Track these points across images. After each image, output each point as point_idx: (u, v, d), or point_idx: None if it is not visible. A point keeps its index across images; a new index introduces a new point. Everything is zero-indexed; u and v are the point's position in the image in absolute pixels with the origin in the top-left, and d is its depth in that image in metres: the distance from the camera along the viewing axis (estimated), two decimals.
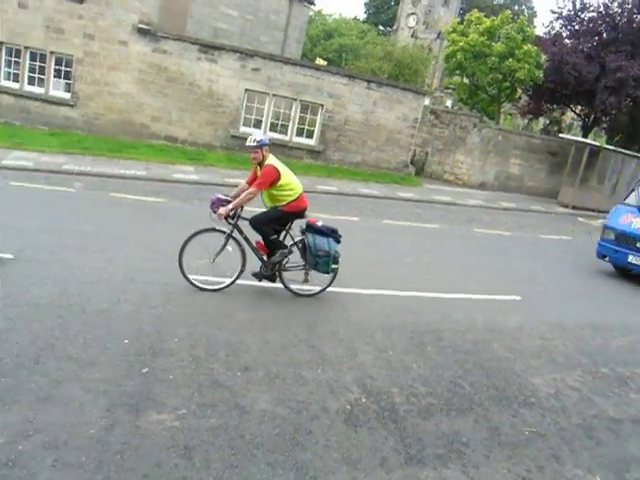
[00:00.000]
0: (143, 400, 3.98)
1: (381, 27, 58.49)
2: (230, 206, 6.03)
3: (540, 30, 33.56)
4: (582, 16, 22.87)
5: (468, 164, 20.97)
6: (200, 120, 16.84)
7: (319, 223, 6.41)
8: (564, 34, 23.44)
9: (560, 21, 23.41)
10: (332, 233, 6.40)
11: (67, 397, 3.87)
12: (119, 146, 14.89)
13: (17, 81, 16.29)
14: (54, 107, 16.21)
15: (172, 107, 16.52)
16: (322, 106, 17.65)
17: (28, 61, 16.21)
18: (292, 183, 6.23)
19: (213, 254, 6.16)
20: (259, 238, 6.33)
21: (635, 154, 20.47)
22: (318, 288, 6.66)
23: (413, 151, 20.34)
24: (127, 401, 3.94)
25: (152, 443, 3.56)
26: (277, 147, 17.31)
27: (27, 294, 5.45)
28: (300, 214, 6.40)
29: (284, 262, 6.41)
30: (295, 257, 6.50)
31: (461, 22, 24.90)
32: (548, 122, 31.20)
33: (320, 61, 24.02)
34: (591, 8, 22.94)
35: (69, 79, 16.14)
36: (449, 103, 30.60)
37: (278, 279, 6.52)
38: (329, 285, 6.67)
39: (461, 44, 22.64)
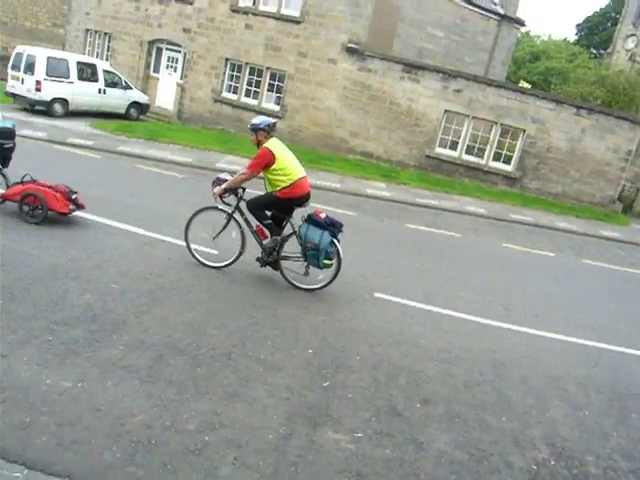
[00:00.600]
0: (321, 415, 3.92)
1: (593, 50, 53.91)
2: (223, 185, 6.01)
3: None
4: None
5: None
6: (396, 138, 16.95)
7: (322, 215, 6.02)
8: None
9: None
10: (329, 226, 5.93)
11: (252, 397, 3.96)
12: (318, 158, 15.58)
13: (236, 93, 18.02)
14: None
15: (371, 124, 16.89)
16: (524, 131, 16.62)
17: (247, 76, 17.85)
18: (287, 169, 5.93)
19: (215, 233, 6.23)
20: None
21: None
22: (315, 286, 6.21)
23: (622, 186, 18.19)
24: (306, 413, 3.91)
25: (326, 462, 3.46)
26: (471, 170, 16.77)
27: (227, 291, 5.82)
28: (298, 202, 6.09)
29: (282, 251, 6.18)
30: (296, 247, 6.15)
31: None
32: None
33: (524, 84, 22.79)
34: None
35: (280, 93, 17.40)
36: None
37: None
38: (328, 284, 6.20)
39: None
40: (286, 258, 6.24)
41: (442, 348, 5.44)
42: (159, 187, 10.77)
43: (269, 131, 6.00)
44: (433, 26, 19.87)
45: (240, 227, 6.26)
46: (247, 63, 17.69)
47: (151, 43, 20.10)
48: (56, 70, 16.34)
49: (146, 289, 5.47)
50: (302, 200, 6.11)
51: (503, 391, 4.83)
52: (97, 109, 17.15)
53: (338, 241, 6.03)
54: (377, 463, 3.54)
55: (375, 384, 4.48)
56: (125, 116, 18.08)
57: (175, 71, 19.89)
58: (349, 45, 16.30)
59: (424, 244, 9.67)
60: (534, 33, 50.48)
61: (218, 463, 3.26)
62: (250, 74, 17.85)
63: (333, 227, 5.97)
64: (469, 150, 17.00)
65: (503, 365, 5.36)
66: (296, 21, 16.76)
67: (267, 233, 6.21)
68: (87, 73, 17.16)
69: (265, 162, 5.86)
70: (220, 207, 6.24)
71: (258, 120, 6.04)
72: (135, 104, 18.34)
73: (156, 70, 20.46)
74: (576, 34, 58.23)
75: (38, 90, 16.08)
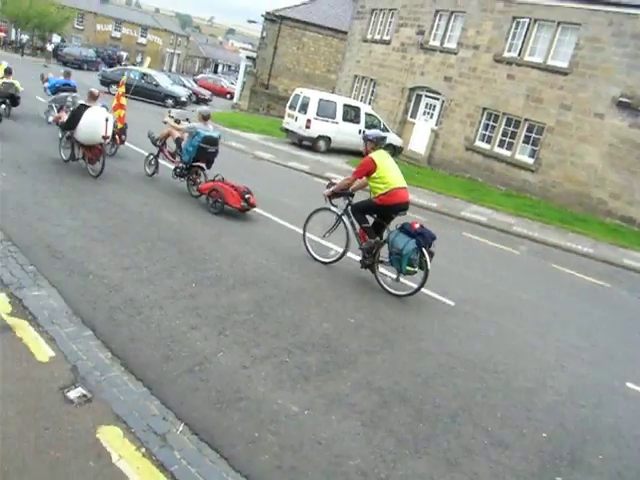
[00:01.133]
0: None
1: None
2: (331, 188, 6.84)
3: None
4: None
5: None
6: None
7: (416, 225, 6.22)
8: None
9: None
10: (417, 235, 6.10)
11: (473, 472, 3.57)
12: (570, 217, 14.29)
13: (489, 143, 17.62)
14: (515, 170, 16.85)
15: (637, 186, 14.89)
16: None
17: (503, 126, 17.35)
18: (386, 177, 6.34)
19: (325, 231, 7.00)
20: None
21: None
22: (403, 292, 6.39)
23: None
24: None
25: None
26: None
27: (458, 345, 5.51)
28: (394, 209, 6.49)
29: (379, 255, 6.53)
30: None
31: None
32: None
33: None
34: None
35: (535, 145, 16.47)
36: None
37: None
38: (416, 291, 6.31)
39: None
40: (382, 262, 6.62)
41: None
42: None
43: (377, 142, 6.61)
44: None
45: (346, 228, 6.86)
46: (504, 113, 17.19)
47: (412, 90, 20.90)
48: (325, 111, 18.08)
49: (380, 330, 5.46)
50: (398, 208, 6.50)
51: None
52: (355, 148, 18.32)
53: (430, 253, 6.17)
54: None
55: None
56: None
57: (431, 117, 20.30)
58: (620, 99, 14.69)
59: None
60: None
61: None
62: (506, 124, 17.29)
63: (422, 237, 6.14)
64: None
65: None
66: (563, 72, 15.74)
67: (367, 237, 6.63)
68: (351, 115, 18.64)
69: (367, 169, 6.41)
70: (332, 209, 6.95)
71: (370, 132, 6.90)
72: (390, 146, 19.15)
73: (413, 115, 21.16)
74: None
75: (308, 127, 17.98)
